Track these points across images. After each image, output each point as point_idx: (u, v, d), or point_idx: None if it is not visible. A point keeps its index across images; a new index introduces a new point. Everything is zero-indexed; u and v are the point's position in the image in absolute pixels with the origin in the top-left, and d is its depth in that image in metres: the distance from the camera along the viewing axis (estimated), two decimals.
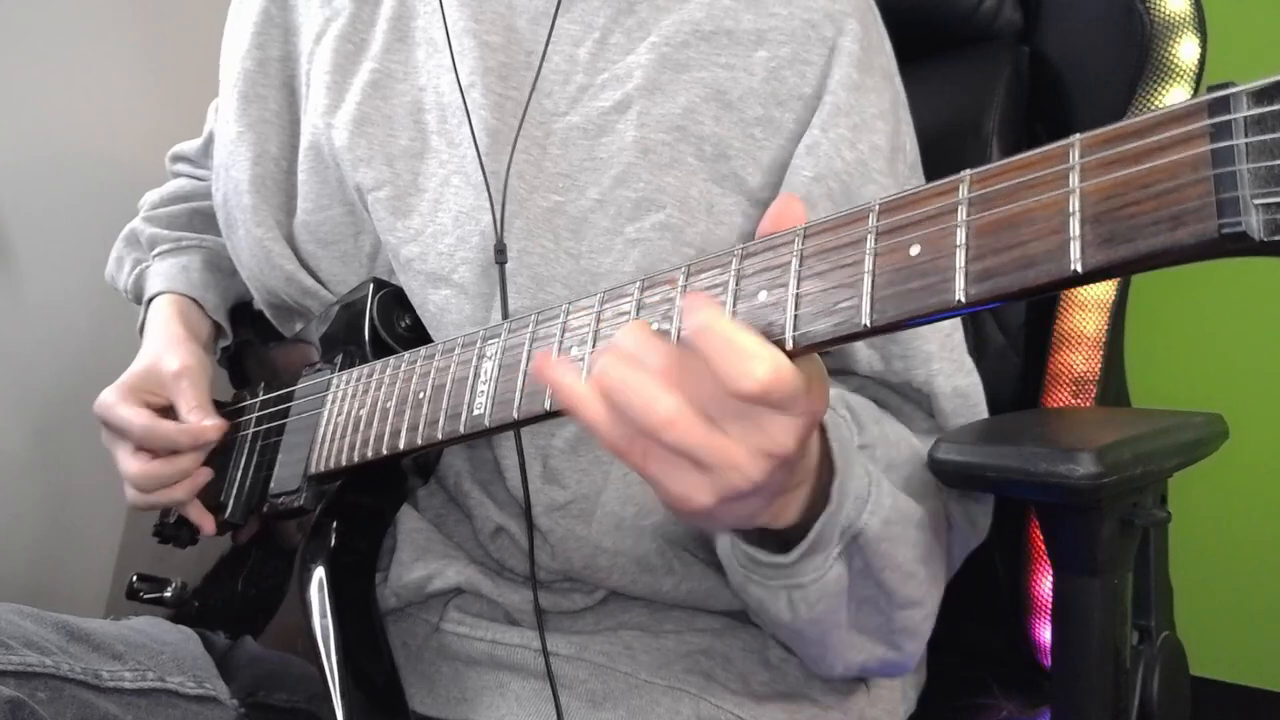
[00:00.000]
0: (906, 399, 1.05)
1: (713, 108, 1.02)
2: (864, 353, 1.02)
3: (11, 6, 1.67)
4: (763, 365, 0.64)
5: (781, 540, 0.85)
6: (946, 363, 1.02)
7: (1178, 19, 1.18)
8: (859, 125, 1.01)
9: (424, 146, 1.09)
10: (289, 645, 1.04)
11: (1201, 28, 1.18)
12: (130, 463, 1.18)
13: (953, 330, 1.05)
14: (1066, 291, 1.24)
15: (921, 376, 1.02)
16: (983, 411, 1.05)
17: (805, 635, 0.93)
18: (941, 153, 1.05)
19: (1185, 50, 1.18)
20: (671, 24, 1.05)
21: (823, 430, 0.83)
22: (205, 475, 1.20)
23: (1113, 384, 1.23)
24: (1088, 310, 1.22)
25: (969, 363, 1.06)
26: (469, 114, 1.05)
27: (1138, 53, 1.19)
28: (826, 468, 0.83)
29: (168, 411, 1.20)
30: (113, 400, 1.18)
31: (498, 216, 1.01)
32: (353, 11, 1.16)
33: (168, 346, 1.23)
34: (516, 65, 1.07)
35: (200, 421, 1.16)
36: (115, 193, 1.65)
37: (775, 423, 0.66)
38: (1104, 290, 1.22)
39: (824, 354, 1.03)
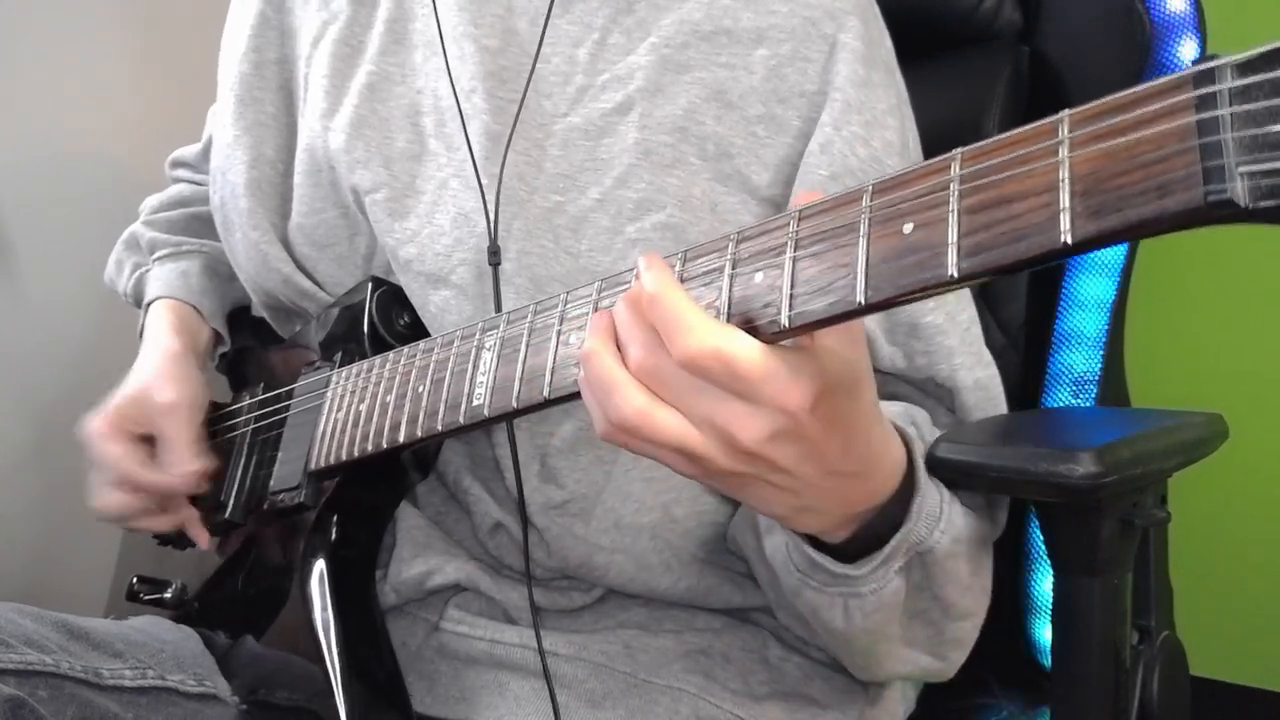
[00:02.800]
0: (927, 394, 1.05)
1: (714, 107, 1.03)
2: (886, 349, 1.02)
3: (12, 7, 1.67)
4: (696, 337, 0.66)
5: (834, 547, 0.86)
6: (967, 356, 1.03)
7: (1178, 19, 1.18)
8: (871, 122, 1.02)
9: (422, 149, 1.09)
10: (290, 645, 1.04)
11: (1201, 28, 1.18)
12: (101, 494, 1.18)
13: (970, 324, 1.05)
14: (1066, 291, 1.24)
15: (945, 371, 1.01)
16: (1002, 403, 1.05)
17: (855, 644, 0.94)
18: (941, 152, 1.05)
19: (1185, 50, 1.18)
20: (671, 24, 1.05)
21: (906, 444, 0.84)
22: (192, 517, 1.21)
23: (1113, 384, 1.23)
24: (1088, 310, 1.22)
25: (988, 355, 1.06)
26: (464, 120, 1.06)
27: (1138, 53, 1.19)
28: (907, 482, 0.84)
29: (154, 440, 1.19)
30: (102, 432, 1.17)
31: (491, 219, 1.01)
32: (350, 14, 1.16)
33: (162, 373, 1.22)
34: (516, 68, 1.07)
35: (183, 470, 1.16)
36: (115, 194, 1.65)
37: (734, 408, 0.67)
38: (1104, 289, 1.22)
39: None
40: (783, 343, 0.67)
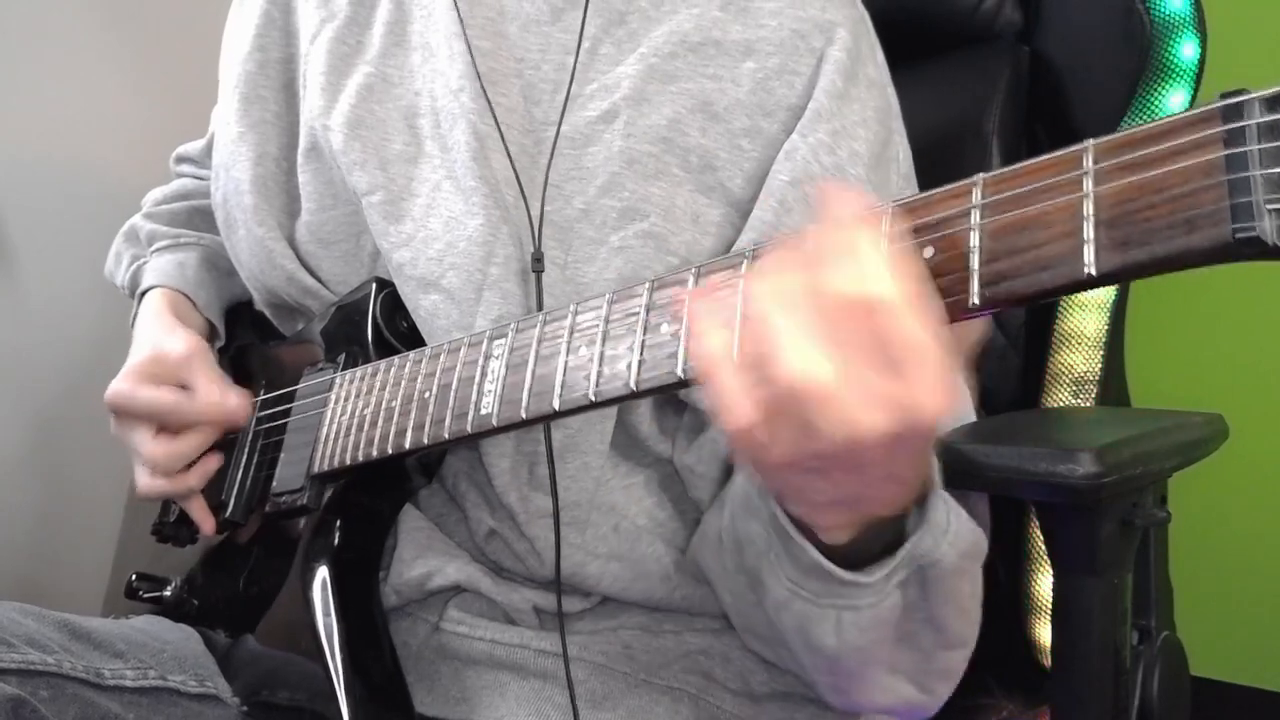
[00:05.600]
0: None
1: (699, 119, 1.02)
2: None
3: (13, 8, 1.67)
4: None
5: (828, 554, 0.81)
6: None
7: (1178, 19, 1.18)
8: (839, 131, 1.01)
9: (418, 151, 1.09)
10: (292, 645, 1.05)
11: (1201, 28, 1.18)
12: (152, 445, 1.17)
13: None
14: None
15: None
16: (972, 418, 1.05)
17: (842, 665, 0.90)
18: (941, 153, 1.06)
19: (1185, 50, 1.18)
20: (661, 35, 1.04)
21: None
22: (216, 462, 1.20)
23: (1113, 384, 1.23)
24: (1088, 310, 1.23)
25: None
26: (453, 118, 1.05)
27: (1138, 53, 1.19)
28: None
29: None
30: (129, 386, 1.16)
31: (535, 226, 1.01)
32: (349, 14, 1.16)
33: (167, 332, 1.22)
34: (505, 71, 1.07)
35: (224, 397, 1.16)
36: (116, 193, 1.65)
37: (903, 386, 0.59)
38: (1104, 290, 1.22)
39: None
40: None
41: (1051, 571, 0.97)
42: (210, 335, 1.34)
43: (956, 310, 0.57)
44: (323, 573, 1.02)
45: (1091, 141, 0.53)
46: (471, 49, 1.06)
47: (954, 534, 0.82)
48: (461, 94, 1.05)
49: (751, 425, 0.62)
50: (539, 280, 0.99)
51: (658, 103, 1.02)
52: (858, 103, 1.03)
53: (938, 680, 0.93)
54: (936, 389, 0.58)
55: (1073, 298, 1.23)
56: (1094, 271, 0.51)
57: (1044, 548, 1.19)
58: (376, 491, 1.06)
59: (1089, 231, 0.52)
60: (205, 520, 1.20)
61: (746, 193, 1.02)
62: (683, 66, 1.03)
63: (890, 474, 0.67)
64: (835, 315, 0.58)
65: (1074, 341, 1.23)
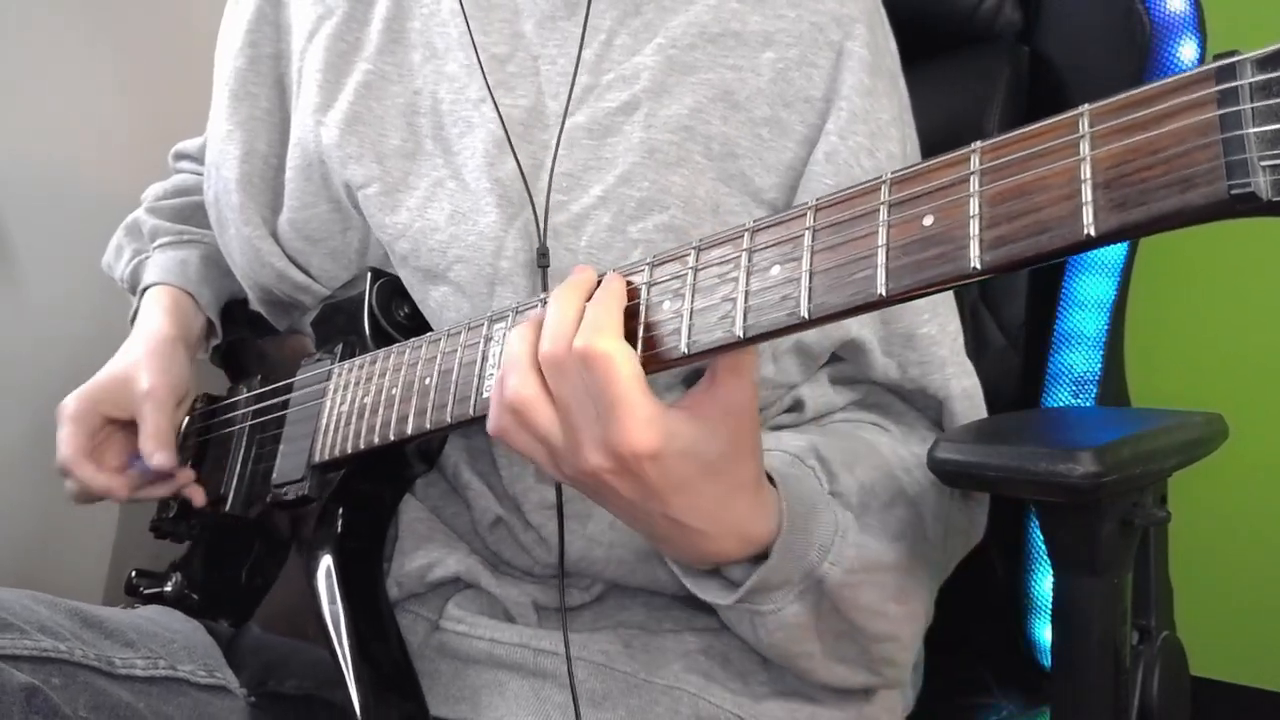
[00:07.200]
0: (912, 405, 1.06)
1: (720, 108, 1.03)
2: (881, 360, 1.04)
3: (12, 9, 1.67)
4: (604, 338, 0.75)
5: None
6: (956, 366, 1.05)
7: (1178, 19, 1.19)
8: (876, 133, 1.02)
9: (416, 148, 1.09)
10: (298, 633, 1.05)
11: (1201, 28, 1.19)
12: (93, 474, 1.22)
13: (957, 334, 1.07)
14: (1066, 291, 1.25)
15: (938, 382, 1.04)
16: (984, 412, 1.07)
17: (770, 655, 0.97)
18: (941, 153, 1.06)
19: (1185, 50, 1.18)
20: (678, 26, 1.05)
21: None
22: (190, 476, 1.25)
23: (1113, 384, 1.23)
24: (1088, 310, 1.23)
25: (970, 365, 1.08)
26: (470, 127, 1.06)
27: (1138, 53, 1.20)
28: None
29: (130, 425, 1.23)
30: (70, 413, 1.22)
31: (540, 225, 1.01)
32: (346, 10, 1.16)
33: (148, 357, 1.25)
34: (523, 72, 1.08)
35: (159, 460, 1.20)
36: (115, 193, 1.65)
37: (592, 431, 0.76)
38: (1104, 289, 1.22)
39: (838, 360, 1.04)
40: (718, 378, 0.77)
41: (1051, 571, 0.97)
42: (209, 333, 1.35)
43: (959, 276, 0.58)
44: (327, 561, 1.02)
45: (1087, 106, 0.54)
46: (490, 58, 1.07)
47: (836, 553, 0.89)
48: (483, 105, 1.06)
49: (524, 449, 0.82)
50: (544, 275, 1.00)
51: (678, 93, 1.03)
52: (885, 97, 1.05)
53: (883, 666, 0.99)
54: (637, 434, 0.74)
55: (1072, 297, 1.24)
56: (1093, 233, 0.52)
57: (1044, 548, 1.19)
58: (378, 479, 1.06)
59: (1087, 194, 0.52)
60: (195, 493, 1.23)
61: (766, 182, 1.03)
62: (702, 58, 1.04)
63: (664, 515, 0.81)
64: (561, 371, 0.77)
65: (1074, 341, 1.24)
